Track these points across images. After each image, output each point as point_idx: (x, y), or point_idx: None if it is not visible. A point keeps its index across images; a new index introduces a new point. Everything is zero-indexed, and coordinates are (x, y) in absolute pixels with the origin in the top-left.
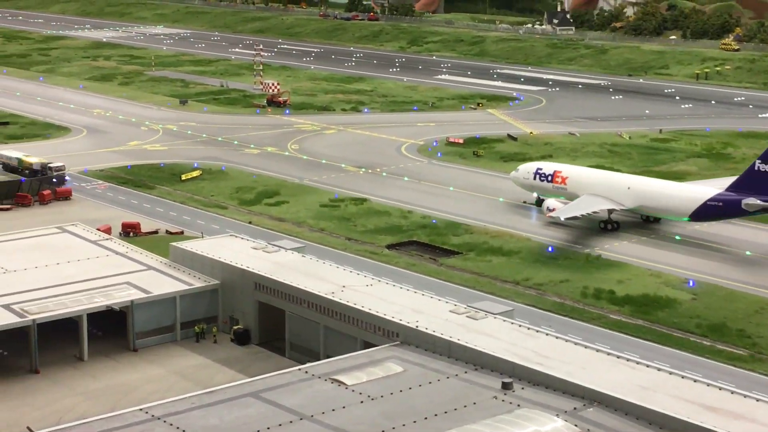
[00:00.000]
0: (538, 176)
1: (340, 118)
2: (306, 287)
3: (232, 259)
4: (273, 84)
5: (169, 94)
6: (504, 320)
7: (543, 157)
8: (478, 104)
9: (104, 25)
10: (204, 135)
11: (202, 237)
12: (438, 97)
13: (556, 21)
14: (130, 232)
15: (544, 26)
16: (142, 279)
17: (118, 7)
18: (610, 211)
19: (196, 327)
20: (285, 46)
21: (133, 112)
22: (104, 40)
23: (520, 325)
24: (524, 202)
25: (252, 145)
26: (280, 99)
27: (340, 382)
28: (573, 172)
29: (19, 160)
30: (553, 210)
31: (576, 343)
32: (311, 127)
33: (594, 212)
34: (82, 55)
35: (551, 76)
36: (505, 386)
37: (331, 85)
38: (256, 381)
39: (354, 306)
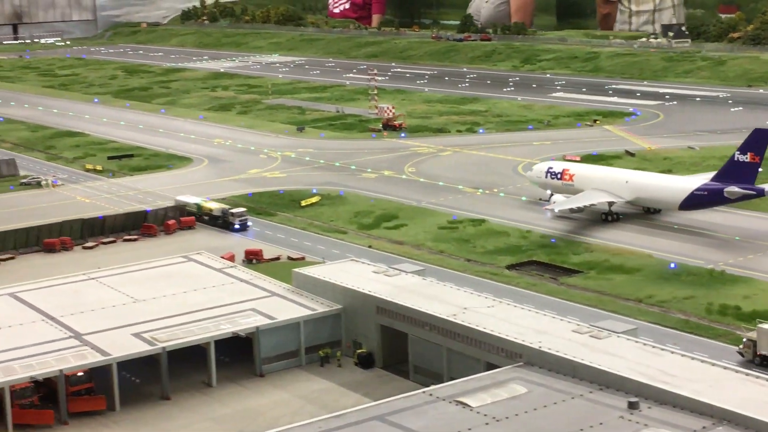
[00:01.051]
0: (549, 174)
1: (455, 140)
2: (428, 310)
3: (354, 284)
4: (388, 108)
5: (287, 122)
6: (628, 339)
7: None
8: (595, 121)
9: (221, 56)
10: (322, 161)
11: (324, 262)
12: (553, 115)
13: (671, 34)
14: (252, 259)
15: (659, 39)
16: (267, 305)
17: (234, 37)
18: (611, 204)
19: (320, 351)
20: (398, 70)
21: (252, 141)
22: (222, 70)
23: (644, 344)
24: (540, 200)
25: (369, 170)
26: (396, 122)
27: (465, 404)
28: (579, 169)
29: (198, 206)
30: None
31: (703, 361)
32: (427, 150)
33: (591, 204)
34: (201, 86)
35: (668, 90)
36: (632, 406)
37: (446, 106)
38: (382, 404)
39: (476, 328)
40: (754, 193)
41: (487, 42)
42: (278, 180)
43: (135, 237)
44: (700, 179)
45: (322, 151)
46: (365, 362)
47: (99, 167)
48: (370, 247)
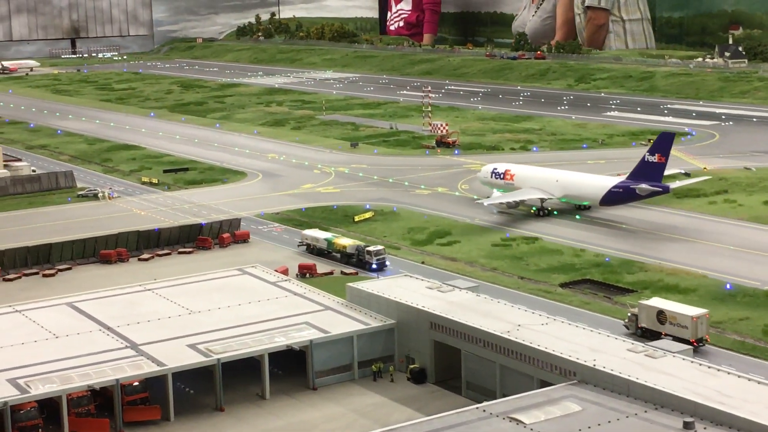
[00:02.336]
0: (493, 175)
1: (509, 157)
2: (481, 326)
3: (408, 299)
4: (442, 125)
5: (340, 138)
6: (683, 359)
7: (717, 193)
8: (649, 140)
9: (276, 72)
10: (375, 177)
11: (377, 277)
12: (608, 134)
13: (728, 54)
14: (306, 273)
15: (715, 59)
16: (320, 319)
17: (289, 53)
18: (542, 200)
19: (373, 366)
20: (452, 87)
21: (306, 156)
22: (276, 86)
23: (700, 364)
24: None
25: (422, 186)
26: (449, 139)
27: (519, 421)
28: (518, 170)
29: (329, 242)
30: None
31: (759, 382)
32: (481, 167)
33: (522, 200)
34: (256, 101)
35: (724, 110)
36: (687, 426)
37: (499, 124)
38: (435, 419)
39: (530, 345)
40: (661, 190)
41: (541, 60)
42: (332, 195)
43: (190, 249)
44: (618, 179)
45: (376, 167)
46: (418, 377)
47: (155, 180)
48: (423, 263)
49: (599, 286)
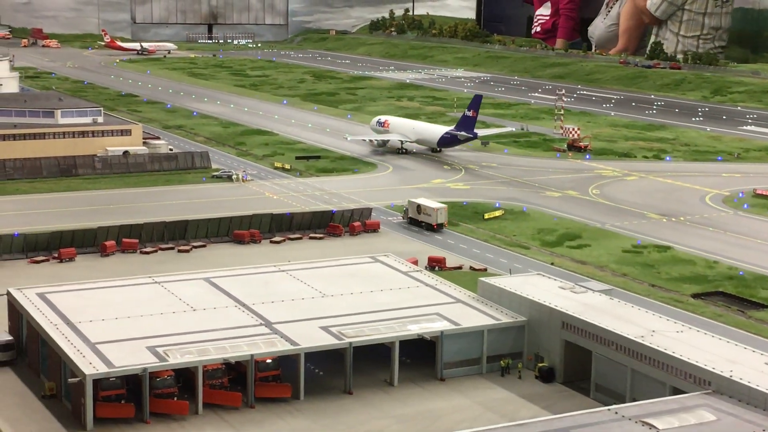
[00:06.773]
0: (377, 123)
1: (641, 165)
2: (614, 329)
3: (540, 297)
4: (574, 129)
5: None
6: None
7: None
8: None
9: (407, 67)
10: (505, 176)
11: (510, 274)
12: (744, 148)
13: None
14: (435, 266)
15: None
16: (451, 311)
17: (421, 50)
18: (402, 142)
19: (501, 361)
20: (585, 92)
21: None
22: (407, 81)
23: None
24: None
25: (553, 188)
26: (581, 144)
27: (651, 426)
28: (392, 120)
29: None
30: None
31: None
32: (612, 173)
33: (386, 140)
34: (387, 95)
35: None
36: None
37: (632, 132)
38: (565, 417)
39: (664, 351)
40: (472, 136)
41: (676, 70)
42: (461, 191)
43: (321, 235)
44: (448, 128)
45: (505, 166)
46: (546, 376)
47: (287, 166)
48: (552, 264)
49: (732, 299)
